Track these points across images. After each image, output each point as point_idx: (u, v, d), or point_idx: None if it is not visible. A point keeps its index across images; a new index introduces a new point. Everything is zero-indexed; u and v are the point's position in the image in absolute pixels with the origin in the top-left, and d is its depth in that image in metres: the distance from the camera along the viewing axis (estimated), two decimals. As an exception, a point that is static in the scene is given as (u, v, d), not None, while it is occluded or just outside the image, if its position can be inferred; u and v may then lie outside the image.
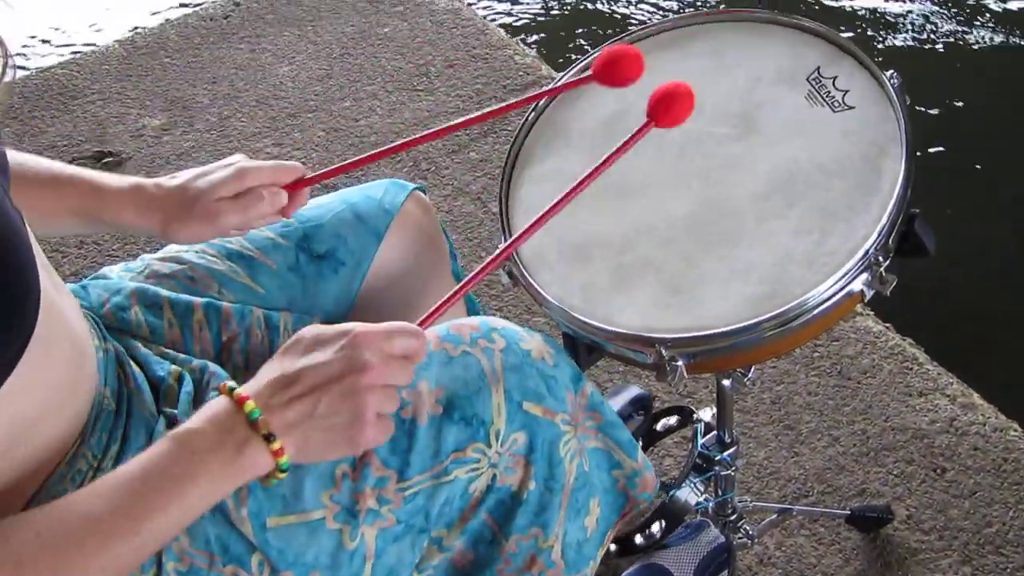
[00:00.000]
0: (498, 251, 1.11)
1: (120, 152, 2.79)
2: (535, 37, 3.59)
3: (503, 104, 1.26)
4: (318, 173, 1.25)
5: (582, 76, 1.29)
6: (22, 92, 3.02)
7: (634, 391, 1.93)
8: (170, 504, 0.92)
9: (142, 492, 0.92)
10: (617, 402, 1.90)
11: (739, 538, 1.65)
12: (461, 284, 1.08)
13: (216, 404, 0.97)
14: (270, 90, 2.96)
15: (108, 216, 1.21)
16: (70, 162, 2.66)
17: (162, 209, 1.20)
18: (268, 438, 0.94)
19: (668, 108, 1.19)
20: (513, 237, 1.15)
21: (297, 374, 0.97)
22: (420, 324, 1.04)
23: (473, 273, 1.08)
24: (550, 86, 1.34)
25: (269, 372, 0.99)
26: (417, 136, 1.24)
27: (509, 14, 3.72)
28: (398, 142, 1.24)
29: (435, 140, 1.27)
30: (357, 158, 1.24)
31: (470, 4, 3.35)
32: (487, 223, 2.46)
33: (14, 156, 1.16)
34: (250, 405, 0.95)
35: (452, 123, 1.23)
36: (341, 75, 2.98)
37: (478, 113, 1.24)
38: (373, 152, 1.24)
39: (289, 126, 2.83)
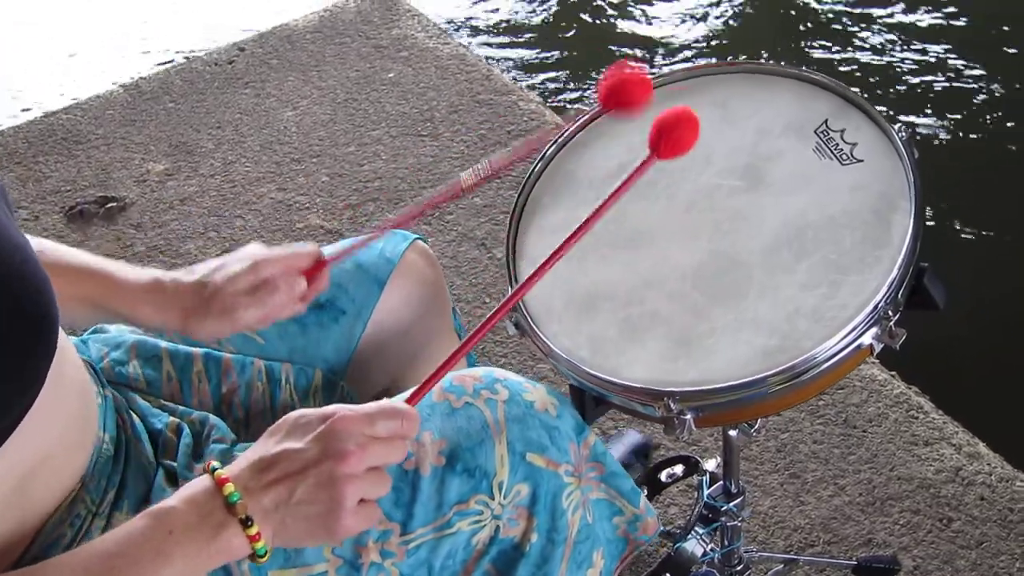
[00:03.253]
0: (495, 309, 1.07)
1: (124, 197, 2.80)
2: (539, 79, 3.61)
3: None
4: (335, 253, 1.26)
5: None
6: (26, 137, 3.03)
7: (635, 437, 1.93)
8: None
9: (116, 567, 0.90)
10: (618, 449, 1.89)
11: (745, 589, 1.64)
12: (453, 353, 1.04)
13: (197, 483, 0.95)
14: (274, 135, 2.97)
15: (124, 309, 1.20)
16: (73, 207, 2.70)
17: (181, 305, 1.19)
18: (245, 522, 0.92)
19: (670, 137, 1.15)
20: (511, 293, 1.12)
21: (276, 457, 0.95)
22: (409, 400, 1.02)
23: (468, 336, 1.05)
24: (559, 135, 1.34)
25: (251, 454, 0.97)
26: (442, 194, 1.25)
27: (521, 62, 3.74)
28: (422, 204, 1.26)
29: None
30: (374, 230, 1.27)
31: (489, 59, 3.37)
32: (491, 269, 2.46)
33: (36, 242, 1.16)
34: (229, 488, 0.93)
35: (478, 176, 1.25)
36: (345, 120, 3.00)
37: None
38: (392, 219, 1.26)
39: (293, 171, 2.84)
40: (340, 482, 0.93)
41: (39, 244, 1.18)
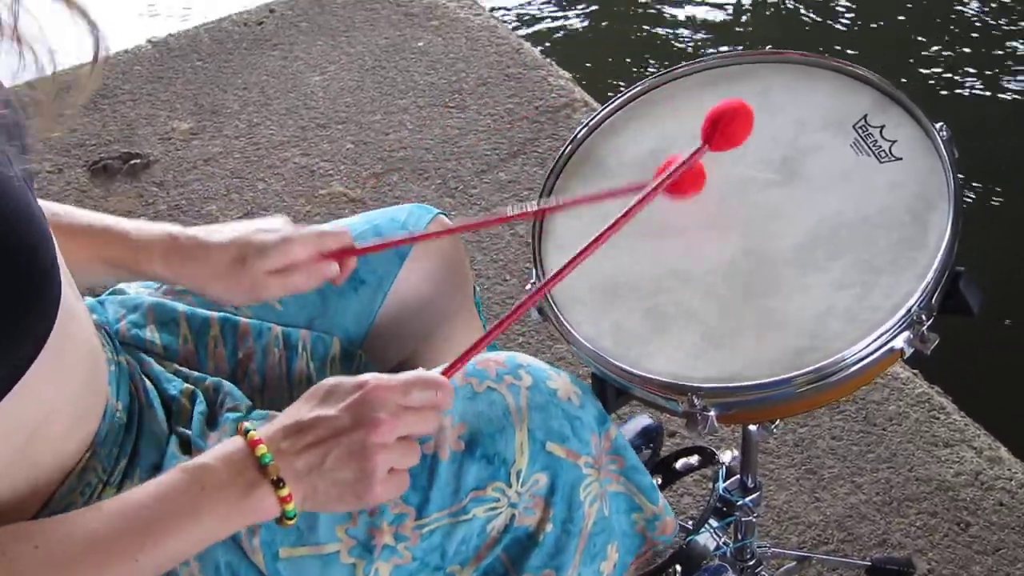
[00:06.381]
0: (526, 296, 1.09)
1: (148, 154, 2.78)
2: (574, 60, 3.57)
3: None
4: (367, 245, 1.27)
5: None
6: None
7: (644, 421, 1.90)
8: (170, 536, 0.92)
9: (146, 520, 0.91)
10: (627, 431, 1.87)
11: (756, 584, 1.62)
12: (490, 330, 1.06)
13: (231, 443, 0.97)
14: (301, 99, 2.94)
15: (139, 266, 1.19)
16: (96, 162, 2.69)
17: (197, 263, 1.18)
18: (277, 483, 0.94)
19: (725, 129, 1.18)
20: (544, 281, 1.14)
21: (310, 423, 0.97)
22: (445, 372, 1.03)
23: (503, 318, 1.07)
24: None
25: (286, 417, 0.99)
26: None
27: (549, 38, 3.70)
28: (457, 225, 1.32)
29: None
30: (410, 236, 1.31)
31: (514, 30, 3.33)
32: (513, 245, 2.43)
33: (52, 206, 1.15)
34: (262, 449, 0.95)
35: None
36: (372, 87, 2.97)
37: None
38: (427, 232, 1.32)
39: (318, 136, 2.81)
40: (372, 451, 0.95)
41: (55, 207, 1.17)
